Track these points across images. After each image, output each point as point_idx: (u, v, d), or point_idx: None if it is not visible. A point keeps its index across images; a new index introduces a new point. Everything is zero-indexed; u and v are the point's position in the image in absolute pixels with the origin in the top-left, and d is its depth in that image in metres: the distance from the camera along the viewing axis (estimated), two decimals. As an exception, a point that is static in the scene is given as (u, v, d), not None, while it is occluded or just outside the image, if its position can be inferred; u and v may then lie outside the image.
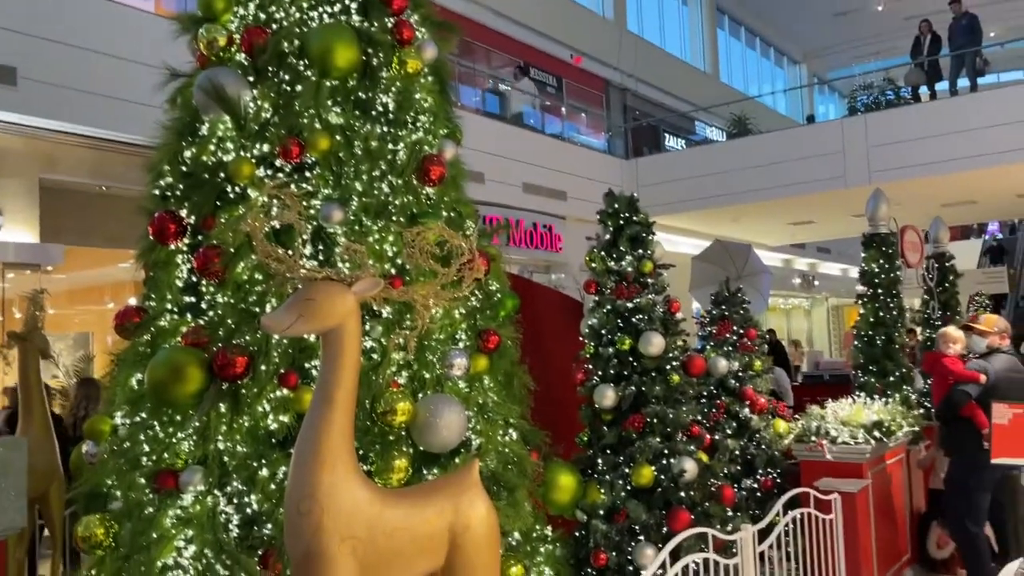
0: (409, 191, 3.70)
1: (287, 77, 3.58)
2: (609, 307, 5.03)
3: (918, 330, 8.31)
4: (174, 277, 3.55)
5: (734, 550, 4.45)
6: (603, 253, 5.15)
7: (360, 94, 3.67)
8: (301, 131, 3.47)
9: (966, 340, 5.92)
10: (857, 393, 6.71)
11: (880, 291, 7.44)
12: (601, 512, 4.70)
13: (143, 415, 3.35)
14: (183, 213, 3.56)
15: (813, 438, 5.62)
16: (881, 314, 7.35)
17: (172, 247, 3.56)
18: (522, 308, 4.34)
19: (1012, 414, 4.77)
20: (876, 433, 5.62)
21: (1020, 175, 13.45)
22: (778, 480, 6.20)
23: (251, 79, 3.59)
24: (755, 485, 6.23)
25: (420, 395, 3.47)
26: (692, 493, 4.71)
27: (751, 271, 7.99)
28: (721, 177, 15.12)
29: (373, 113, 3.69)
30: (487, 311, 3.97)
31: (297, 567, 2.42)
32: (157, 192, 3.67)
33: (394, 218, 3.60)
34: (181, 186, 3.60)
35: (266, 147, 3.50)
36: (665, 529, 4.57)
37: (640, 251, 5.10)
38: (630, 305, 4.98)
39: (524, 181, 13.50)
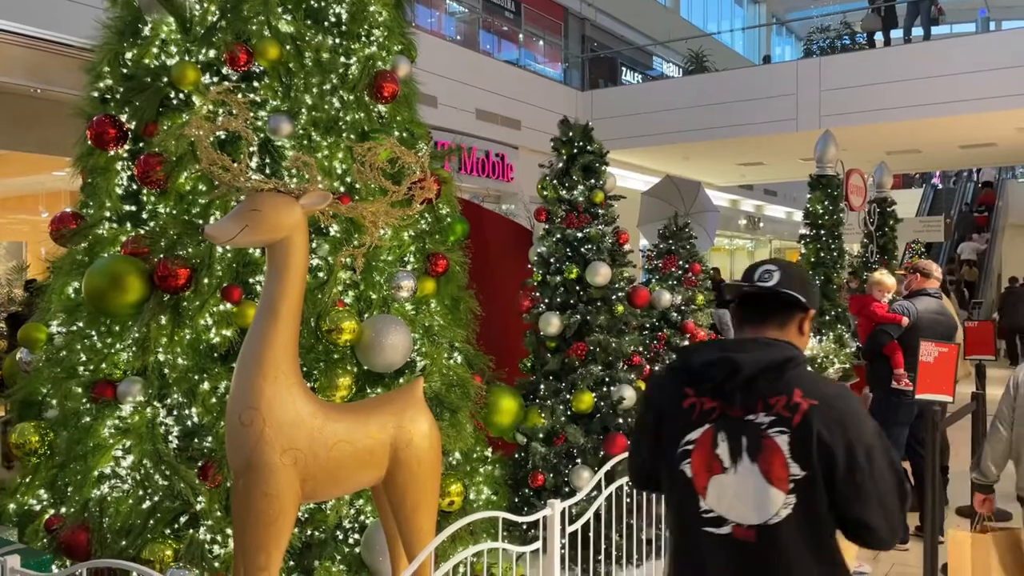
0: (360, 107, 3.61)
1: (235, -21, 3.43)
2: (558, 236, 5.04)
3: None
4: (113, 184, 3.44)
5: (667, 475, 4.62)
6: (555, 181, 5.13)
7: (312, 2, 3.54)
8: (249, 38, 3.34)
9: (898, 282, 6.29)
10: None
11: (823, 232, 7.60)
12: (541, 435, 4.81)
13: (80, 324, 3.29)
14: (123, 118, 3.43)
15: (749, 372, 5.79)
16: (822, 255, 7.54)
17: (111, 153, 3.44)
18: (472, 234, 4.32)
19: (937, 352, 4.95)
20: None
21: (964, 127, 13.71)
22: (713, 411, 6.42)
23: (197, -21, 3.44)
24: (690, 415, 6.43)
25: (366, 315, 3.46)
26: (630, 419, 4.84)
27: (699, 209, 8.06)
28: (675, 114, 15.09)
29: (325, 23, 3.57)
30: (436, 235, 3.95)
31: (238, 477, 2.43)
32: (96, 95, 3.53)
33: (344, 134, 3.53)
34: (121, 89, 3.47)
35: (212, 52, 3.37)
36: (602, 453, 4.70)
37: (592, 181, 5.10)
38: (579, 235, 5.00)
39: (477, 107, 13.29)
